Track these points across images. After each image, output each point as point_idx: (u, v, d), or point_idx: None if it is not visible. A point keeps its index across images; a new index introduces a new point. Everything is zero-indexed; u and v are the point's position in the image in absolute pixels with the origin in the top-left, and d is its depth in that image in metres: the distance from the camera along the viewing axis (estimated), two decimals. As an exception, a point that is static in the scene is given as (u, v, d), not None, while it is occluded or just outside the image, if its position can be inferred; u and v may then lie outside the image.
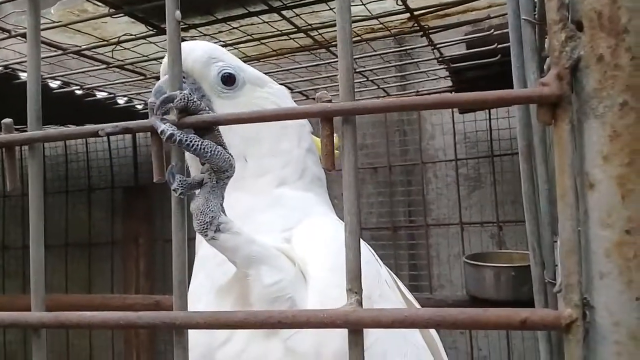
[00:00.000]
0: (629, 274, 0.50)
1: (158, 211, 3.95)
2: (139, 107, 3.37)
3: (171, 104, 0.60)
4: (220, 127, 0.65)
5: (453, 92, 3.12)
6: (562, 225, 0.51)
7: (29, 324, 0.65)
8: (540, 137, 0.86)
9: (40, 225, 0.68)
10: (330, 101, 0.59)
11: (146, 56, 2.41)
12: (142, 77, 2.74)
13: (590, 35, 0.51)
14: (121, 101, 3.21)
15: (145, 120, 0.61)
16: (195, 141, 0.61)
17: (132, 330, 3.65)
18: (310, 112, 0.61)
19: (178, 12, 0.65)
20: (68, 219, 4.01)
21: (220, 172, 0.66)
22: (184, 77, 0.95)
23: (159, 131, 0.58)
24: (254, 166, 0.98)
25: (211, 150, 0.63)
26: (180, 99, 0.59)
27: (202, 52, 1.00)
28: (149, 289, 3.81)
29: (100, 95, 3.01)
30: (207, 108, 0.62)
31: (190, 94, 0.61)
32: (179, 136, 0.59)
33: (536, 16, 0.91)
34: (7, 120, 0.67)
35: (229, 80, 0.98)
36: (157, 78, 2.83)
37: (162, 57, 2.45)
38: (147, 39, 2.19)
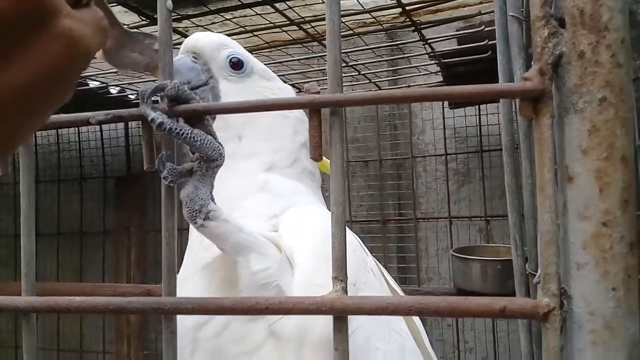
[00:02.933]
0: (605, 265, 0.52)
1: (150, 201, 3.95)
2: (132, 96, 3.36)
3: (162, 93, 0.61)
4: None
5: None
6: (541, 217, 0.53)
7: (18, 309, 0.66)
8: (524, 132, 0.87)
9: (31, 210, 0.69)
10: (318, 93, 0.60)
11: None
12: (134, 67, 2.72)
13: (572, 32, 0.53)
14: (114, 91, 3.20)
15: (137, 109, 0.62)
16: (185, 130, 0.62)
17: (123, 318, 3.65)
18: (298, 102, 0.62)
19: (170, 2, 0.66)
20: (60, 208, 4.00)
21: (210, 161, 0.67)
22: (195, 58, 1.00)
23: (149, 119, 0.59)
24: (247, 146, 1.00)
25: (200, 139, 0.64)
26: (171, 88, 0.60)
27: (215, 37, 1.04)
28: (140, 279, 3.81)
29: (92, 84, 3.00)
30: (197, 97, 0.63)
31: (181, 83, 0.61)
32: (168, 124, 0.60)
33: (523, 13, 0.92)
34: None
35: (237, 65, 1.01)
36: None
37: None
38: (140, 28, 2.19)
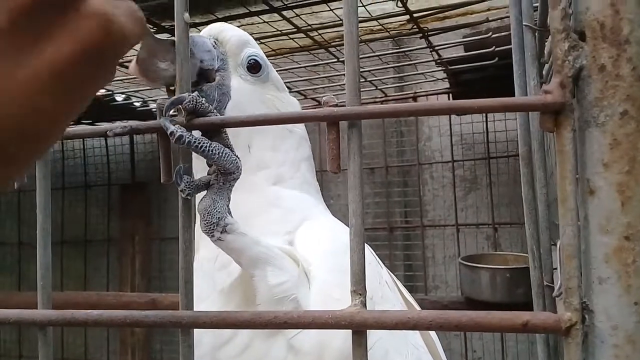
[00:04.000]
0: (628, 279, 0.51)
1: (154, 209, 3.95)
2: (137, 104, 3.37)
3: (180, 105, 0.61)
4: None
5: (450, 94, 3.14)
6: (563, 230, 0.53)
7: (35, 322, 0.66)
8: (539, 142, 0.87)
9: (47, 222, 0.69)
10: (337, 105, 0.60)
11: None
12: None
13: (593, 45, 0.53)
14: (119, 98, 3.21)
15: (154, 122, 0.62)
16: (204, 143, 0.62)
17: (127, 328, 3.65)
18: (316, 116, 0.62)
19: (187, 14, 0.66)
20: (64, 216, 4.00)
21: (227, 174, 0.66)
22: (215, 44, 0.97)
23: (168, 132, 0.59)
24: (256, 157, 0.99)
25: (219, 153, 0.63)
26: (189, 101, 0.60)
27: (242, 33, 1.03)
28: (144, 287, 3.81)
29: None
30: (214, 111, 0.63)
31: (198, 96, 0.61)
32: (188, 138, 0.60)
33: (537, 22, 0.92)
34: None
35: (254, 67, 1.01)
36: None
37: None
38: (147, 37, 2.19)
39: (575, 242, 0.53)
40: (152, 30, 2.11)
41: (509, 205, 3.06)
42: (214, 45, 0.97)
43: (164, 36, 2.28)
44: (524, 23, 0.80)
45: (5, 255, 4.04)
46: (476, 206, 3.21)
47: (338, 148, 0.60)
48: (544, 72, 1.09)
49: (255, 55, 1.01)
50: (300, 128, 1.07)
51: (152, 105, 3.43)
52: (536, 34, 0.90)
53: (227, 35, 0.99)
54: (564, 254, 0.53)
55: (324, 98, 0.60)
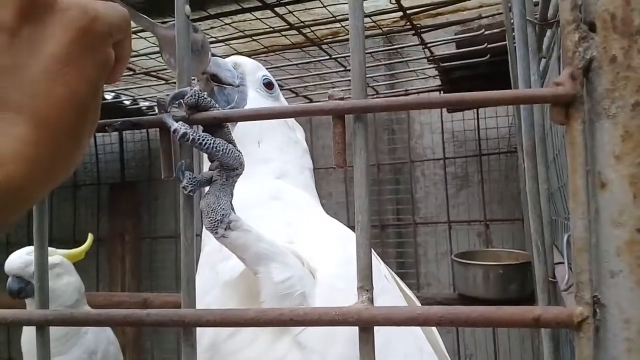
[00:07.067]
0: (640, 273, 0.51)
1: (145, 208, 3.92)
2: (127, 102, 3.34)
3: (181, 100, 0.59)
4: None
5: (442, 91, 3.14)
6: (574, 224, 0.52)
7: (32, 322, 0.64)
8: (540, 137, 0.86)
9: (44, 222, 0.67)
10: (342, 99, 0.59)
11: (136, 51, 2.39)
12: (131, 73, 2.71)
13: (604, 36, 0.52)
14: (108, 96, 3.18)
15: (156, 117, 0.61)
16: (208, 140, 0.61)
17: (118, 327, 3.62)
18: (322, 109, 0.61)
19: (188, 7, 0.65)
20: (53, 216, 3.96)
21: (230, 170, 0.65)
22: (235, 65, 1.11)
23: (171, 130, 0.57)
24: (264, 151, 1.07)
25: (223, 149, 0.62)
26: (191, 95, 0.59)
27: (256, 62, 1.18)
28: (135, 287, 3.77)
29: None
30: (217, 105, 0.61)
31: (200, 90, 0.60)
32: (191, 135, 0.58)
33: (537, 17, 0.91)
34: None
35: (268, 85, 1.14)
36: (146, 73, 2.81)
37: (152, 53, 2.43)
38: (138, 33, 2.17)
39: (586, 236, 0.52)
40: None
41: (500, 201, 3.07)
42: (233, 67, 1.10)
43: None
44: (527, 17, 0.79)
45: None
46: (468, 203, 3.22)
47: (344, 142, 0.59)
48: (541, 68, 1.08)
49: (269, 77, 1.15)
50: (303, 143, 1.19)
51: (142, 104, 3.40)
52: (536, 28, 0.90)
53: (243, 60, 1.14)
54: (575, 248, 0.52)
55: (329, 92, 0.59)
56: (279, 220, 0.96)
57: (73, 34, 0.42)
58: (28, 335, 2.24)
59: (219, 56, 1.13)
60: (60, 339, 2.17)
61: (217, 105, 0.61)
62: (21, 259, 2.20)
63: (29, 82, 0.40)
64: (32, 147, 0.39)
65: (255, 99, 1.08)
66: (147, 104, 3.43)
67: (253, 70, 1.13)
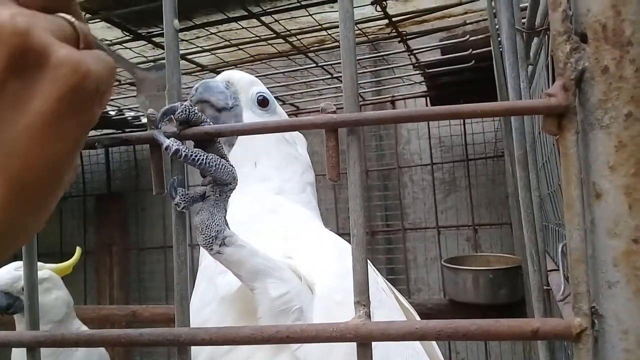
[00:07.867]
0: (637, 283, 0.51)
1: (132, 219, 3.88)
2: (112, 113, 3.31)
3: (172, 115, 0.59)
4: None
5: (427, 97, 3.15)
6: (570, 235, 0.52)
7: (23, 343, 0.63)
8: (530, 144, 0.87)
9: (33, 246, 0.66)
10: (335, 112, 0.58)
11: (121, 62, 2.37)
12: (116, 83, 2.69)
13: (595, 47, 0.52)
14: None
15: (145, 132, 0.60)
16: (200, 156, 0.60)
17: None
18: (315, 123, 0.60)
19: (176, 22, 0.64)
20: (38, 228, 3.90)
21: (224, 185, 0.64)
22: (227, 86, 1.09)
23: (163, 146, 0.56)
24: (261, 171, 1.06)
25: (216, 164, 0.61)
26: (182, 111, 0.58)
27: (249, 76, 1.16)
28: (123, 299, 3.73)
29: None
30: (208, 120, 0.61)
31: (191, 105, 0.59)
32: (184, 151, 0.57)
33: (524, 25, 0.92)
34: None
35: (263, 102, 1.11)
36: (131, 84, 2.79)
37: (139, 63, 2.41)
38: (123, 44, 2.15)
39: (582, 247, 0.52)
40: (127, 37, 2.07)
41: (488, 206, 3.08)
42: (225, 87, 1.08)
43: (139, 43, 2.25)
44: (516, 26, 0.79)
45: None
46: (456, 208, 3.23)
47: (337, 156, 0.59)
48: (528, 75, 1.09)
49: (263, 92, 1.12)
50: (305, 156, 1.17)
51: (128, 114, 3.38)
52: (523, 36, 0.90)
53: (237, 76, 1.12)
54: (572, 259, 0.52)
55: (321, 105, 0.58)
56: (277, 234, 0.95)
57: (62, 93, 0.40)
58: (18, 352, 2.21)
59: (206, 68, 1.12)
60: (51, 355, 2.14)
61: (208, 120, 0.61)
62: (9, 274, 2.16)
63: (10, 139, 0.38)
64: (1, 211, 0.38)
65: (252, 120, 1.07)
66: (132, 114, 3.41)
67: (246, 88, 1.11)
